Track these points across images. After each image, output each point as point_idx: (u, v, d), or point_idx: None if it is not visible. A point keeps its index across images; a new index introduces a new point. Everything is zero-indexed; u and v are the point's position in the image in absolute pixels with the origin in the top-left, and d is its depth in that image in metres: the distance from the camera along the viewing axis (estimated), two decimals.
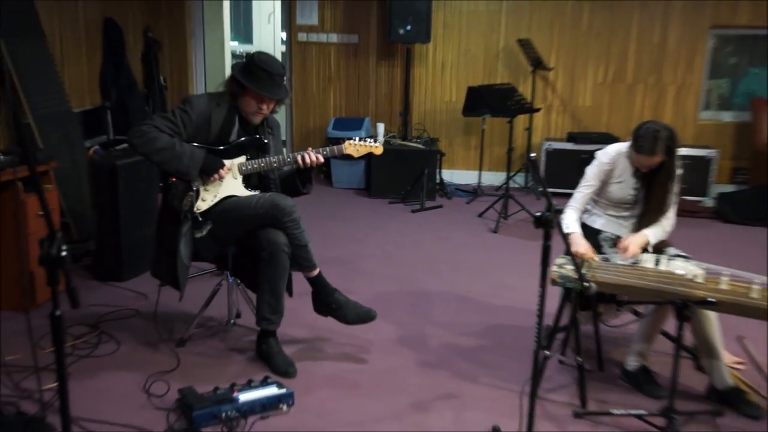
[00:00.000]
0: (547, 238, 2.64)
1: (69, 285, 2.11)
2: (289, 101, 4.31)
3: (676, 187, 3.76)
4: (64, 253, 1.98)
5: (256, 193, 3.83)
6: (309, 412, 3.38)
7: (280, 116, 8.68)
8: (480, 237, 6.23)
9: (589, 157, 4.02)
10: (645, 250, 3.64)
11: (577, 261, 3.45)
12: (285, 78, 3.91)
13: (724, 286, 3.25)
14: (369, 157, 7.23)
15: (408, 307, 4.67)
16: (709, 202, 7.13)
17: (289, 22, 8.15)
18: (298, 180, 3.90)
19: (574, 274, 3.35)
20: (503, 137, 7.29)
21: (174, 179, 3.70)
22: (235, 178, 3.80)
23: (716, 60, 7.72)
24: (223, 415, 3.21)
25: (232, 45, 9.79)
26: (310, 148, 3.79)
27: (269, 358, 3.74)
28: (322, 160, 3.80)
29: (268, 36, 10.46)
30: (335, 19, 8.00)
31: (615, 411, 3.32)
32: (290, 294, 3.91)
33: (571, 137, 7.45)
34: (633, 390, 3.63)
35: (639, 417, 3.28)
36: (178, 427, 3.21)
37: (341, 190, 7.68)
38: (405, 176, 7.20)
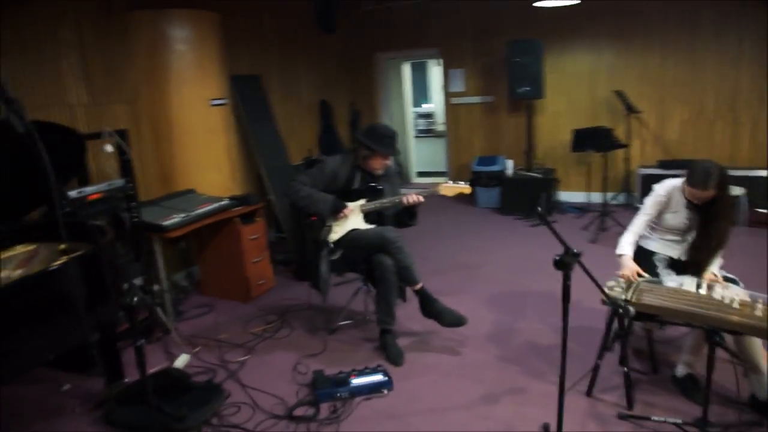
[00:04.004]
0: (566, 278, 2.02)
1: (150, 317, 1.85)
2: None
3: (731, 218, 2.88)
4: (135, 300, 1.73)
5: (374, 226, 3.46)
6: (402, 396, 2.97)
7: (441, 154, 8.32)
8: (580, 247, 5.34)
9: None
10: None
11: (623, 282, 2.74)
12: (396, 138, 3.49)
13: (758, 313, 2.38)
14: (502, 182, 6.67)
15: (506, 307, 4.06)
16: None
17: (445, 90, 7.66)
18: (406, 215, 3.47)
19: (621, 296, 2.65)
20: (608, 165, 6.32)
21: (314, 218, 3.43)
22: (357, 216, 3.47)
23: None
24: (338, 395, 2.92)
25: (415, 108, 9.46)
26: (413, 192, 3.36)
27: (385, 349, 3.38)
28: (422, 200, 3.35)
29: (440, 98, 9.98)
30: (477, 85, 7.39)
31: (654, 417, 2.57)
32: (403, 299, 3.51)
33: (661, 164, 6.28)
34: (680, 395, 2.81)
35: (676, 425, 2.50)
36: (304, 400, 2.93)
37: (483, 209, 7.06)
38: (528, 198, 6.45)
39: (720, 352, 3.03)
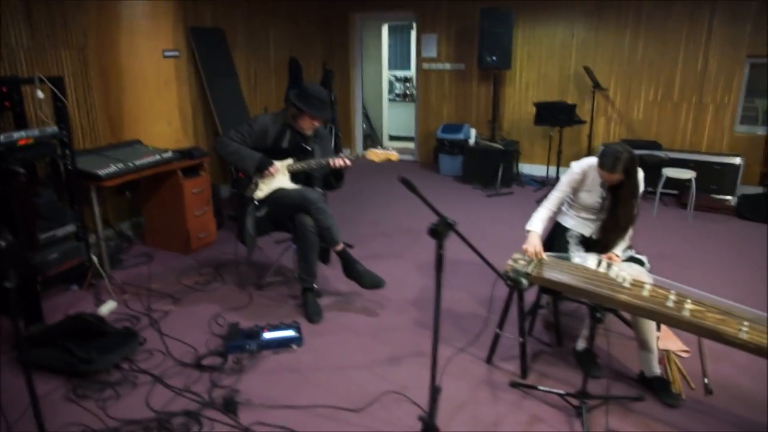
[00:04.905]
0: (440, 247, 2.04)
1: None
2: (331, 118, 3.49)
3: (637, 202, 2.90)
4: None
5: (299, 186, 3.46)
6: (309, 352, 3.04)
7: (411, 121, 8.25)
8: (528, 219, 5.37)
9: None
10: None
11: (525, 257, 2.77)
12: (329, 102, 3.46)
13: (644, 293, 2.43)
14: (465, 151, 6.64)
15: None
16: (733, 201, 5.67)
17: (417, 54, 7.54)
18: (332, 177, 3.48)
19: (523, 269, 2.68)
20: (572, 140, 6.43)
21: (241, 174, 3.43)
22: (284, 175, 3.47)
23: (752, 83, 5.99)
24: (247, 347, 2.98)
25: (392, 72, 9.29)
26: (341, 154, 3.36)
27: (304, 306, 3.44)
28: (349, 163, 3.35)
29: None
30: (449, 52, 7.28)
31: (541, 387, 2.64)
32: (325, 262, 3.55)
33: (624, 143, 6.24)
34: (577, 367, 2.87)
35: (559, 395, 2.57)
36: (214, 350, 3.00)
37: (444, 177, 7.01)
38: (489, 168, 6.46)
39: (626, 330, 3.12)
